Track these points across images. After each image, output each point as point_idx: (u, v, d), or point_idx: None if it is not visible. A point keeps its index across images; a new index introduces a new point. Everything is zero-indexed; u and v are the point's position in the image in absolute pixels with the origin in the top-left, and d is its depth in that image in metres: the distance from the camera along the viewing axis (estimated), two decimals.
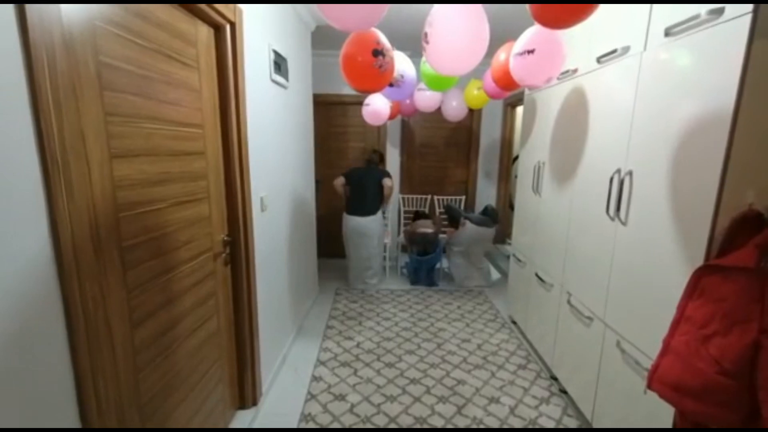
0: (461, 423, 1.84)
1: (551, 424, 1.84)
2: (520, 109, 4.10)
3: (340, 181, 3.39)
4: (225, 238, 1.66)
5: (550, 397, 2.03)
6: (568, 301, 1.95)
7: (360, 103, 4.17)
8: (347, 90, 4.13)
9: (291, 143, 2.52)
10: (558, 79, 2.13)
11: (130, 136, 1.08)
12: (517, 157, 4.27)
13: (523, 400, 2.01)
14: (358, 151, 4.40)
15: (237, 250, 1.72)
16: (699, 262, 1.17)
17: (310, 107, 3.13)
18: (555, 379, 2.13)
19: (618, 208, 1.57)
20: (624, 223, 1.54)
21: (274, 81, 2.11)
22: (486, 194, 4.53)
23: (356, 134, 4.37)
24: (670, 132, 1.31)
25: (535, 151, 2.51)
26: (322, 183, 4.13)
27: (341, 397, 2.01)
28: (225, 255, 1.67)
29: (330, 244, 4.09)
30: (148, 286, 1.17)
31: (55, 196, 0.79)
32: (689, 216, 1.23)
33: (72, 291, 0.84)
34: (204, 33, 1.46)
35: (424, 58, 2.32)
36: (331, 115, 4.27)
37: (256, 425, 1.81)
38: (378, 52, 1.69)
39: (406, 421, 1.85)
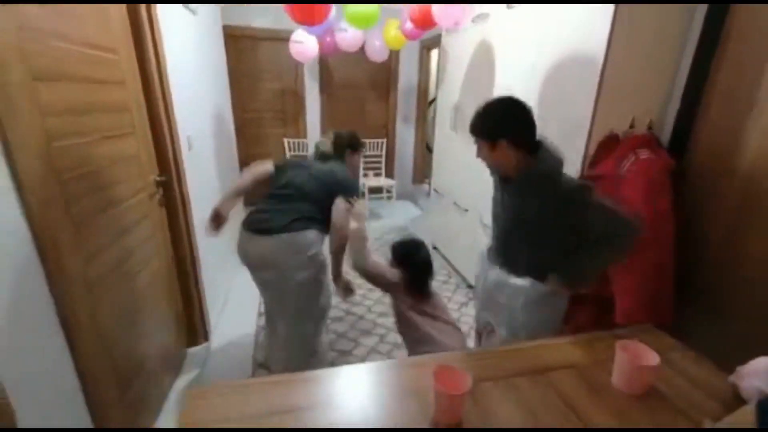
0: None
1: (470, 321, 2.28)
2: (435, 53, 4.26)
3: (260, 170, 1.64)
4: (157, 179, 1.57)
5: (468, 302, 2.48)
6: (481, 221, 2.33)
7: (273, 39, 3.91)
8: (258, 22, 3.79)
9: (207, 80, 2.33)
10: (473, 22, 2.31)
11: (45, 56, 0.96)
12: (433, 100, 4.52)
13: (447, 305, 2.41)
14: (272, 93, 4.15)
15: (170, 191, 1.65)
16: (577, 174, 1.54)
17: (221, 40, 2.85)
18: (471, 287, 2.58)
19: None
20: None
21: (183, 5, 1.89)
22: (404, 137, 4.76)
23: (270, 73, 4.09)
24: (560, 74, 1.61)
25: (452, 92, 2.74)
26: (240, 129, 3.88)
27: None
28: (159, 196, 1.59)
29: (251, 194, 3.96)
30: (90, 222, 1.12)
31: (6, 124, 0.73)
32: (571, 140, 1.58)
33: (34, 220, 0.82)
34: None
35: None
36: (240, 50, 3.88)
37: (210, 361, 1.88)
38: None
39: (353, 335, 2.11)
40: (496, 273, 1.27)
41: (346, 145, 1.67)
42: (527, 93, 1.82)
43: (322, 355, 1.69)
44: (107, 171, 1.23)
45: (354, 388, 0.83)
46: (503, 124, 1.12)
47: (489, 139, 1.14)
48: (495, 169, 1.22)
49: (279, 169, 1.63)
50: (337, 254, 1.52)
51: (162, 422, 1.49)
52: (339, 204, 1.49)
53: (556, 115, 1.65)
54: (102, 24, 1.24)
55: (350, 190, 1.54)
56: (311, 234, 1.49)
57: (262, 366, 1.87)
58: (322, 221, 1.52)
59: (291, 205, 1.50)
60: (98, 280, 1.14)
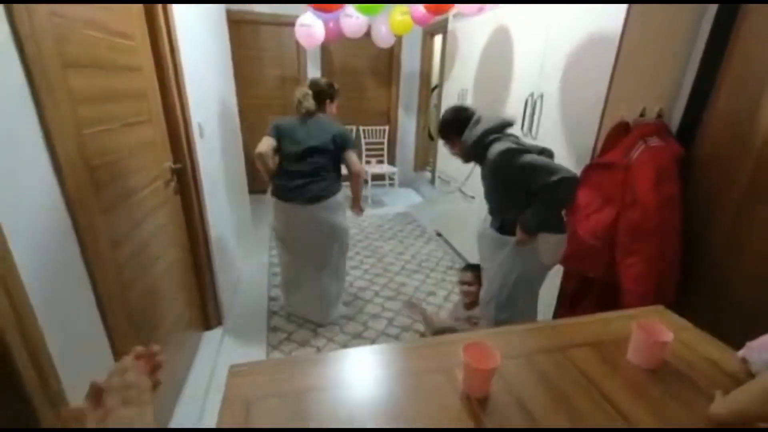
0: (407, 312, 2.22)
1: None
2: (437, 39, 4.22)
3: (266, 145, 1.83)
4: (172, 166, 1.58)
5: None
6: None
7: (275, 23, 3.87)
8: (260, 6, 3.73)
9: (214, 66, 2.31)
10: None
11: (74, 42, 0.96)
12: (436, 87, 4.50)
13: (453, 290, 2.47)
14: (274, 79, 4.12)
15: (185, 178, 1.66)
16: (587, 161, 1.57)
17: (226, 25, 2.81)
18: None
19: (531, 126, 1.91)
20: (534, 138, 1.90)
21: None
22: (406, 124, 4.76)
23: (272, 59, 4.06)
24: (572, 61, 1.62)
25: (460, 77, 2.74)
26: (241, 115, 3.86)
27: None
28: (174, 184, 1.61)
29: (254, 181, 3.97)
30: (115, 208, 1.14)
31: (47, 111, 0.75)
32: (583, 127, 1.61)
33: (73, 206, 0.84)
34: None
35: None
36: (241, 36, 3.83)
37: (225, 343, 1.93)
38: None
39: (363, 318, 2.16)
40: (485, 229, 1.62)
41: (326, 97, 1.94)
42: (546, 78, 1.83)
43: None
44: (128, 158, 1.24)
45: (383, 365, 0.87)
46: (449, 125, 1.50)
47: (445, 137, 1.54)
48: (461, 157, 1.54)
49: (283, 137, 1.87)
50: (359, 191, 2.04)
51: (182, 407, 1.52)
52: (351, 156, 1.91)
53: (573, 102, 1.67)
54: (123, 9, 1.24)
55: (351, 142, 1.94)
56: (341, 190, 1.98)
57: (276, 349, 1.93)
58: (340, 175, 1.98)
59: (319, 174, 1.88)
60: (125, 266, 1.16)
